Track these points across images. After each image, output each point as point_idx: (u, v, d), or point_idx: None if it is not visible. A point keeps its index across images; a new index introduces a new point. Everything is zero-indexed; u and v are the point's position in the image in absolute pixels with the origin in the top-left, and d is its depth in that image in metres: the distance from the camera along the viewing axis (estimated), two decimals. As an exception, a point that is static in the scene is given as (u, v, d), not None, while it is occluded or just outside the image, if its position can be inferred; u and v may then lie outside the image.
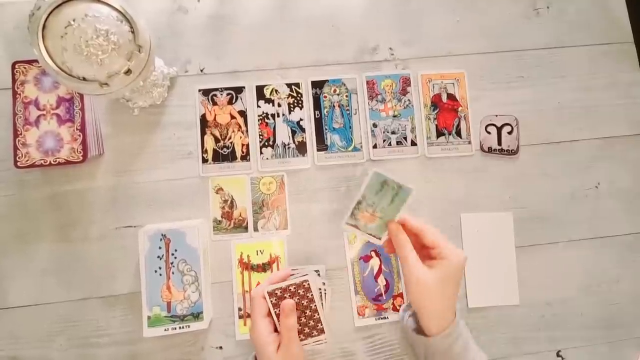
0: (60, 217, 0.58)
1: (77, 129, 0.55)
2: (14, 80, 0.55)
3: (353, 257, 0.59)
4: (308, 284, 0.49)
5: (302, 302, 0.49)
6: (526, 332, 0.60)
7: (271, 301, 0.49)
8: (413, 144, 0.62)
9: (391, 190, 0.48)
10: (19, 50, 0.59)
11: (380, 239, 0.51)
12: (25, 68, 0.55)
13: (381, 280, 0.59)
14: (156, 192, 0.59)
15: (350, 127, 0.62)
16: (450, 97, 0.63)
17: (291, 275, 0.52)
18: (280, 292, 0.49)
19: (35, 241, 0.57)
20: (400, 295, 0.59)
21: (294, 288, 0.49)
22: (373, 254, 0.59)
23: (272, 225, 0.59)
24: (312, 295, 0.49)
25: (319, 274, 0.50)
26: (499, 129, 0.63)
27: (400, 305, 0.58)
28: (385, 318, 0.58)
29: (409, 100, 0.63)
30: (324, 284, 0.50)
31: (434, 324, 0.48)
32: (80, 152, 0.55)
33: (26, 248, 0.57)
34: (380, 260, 0.59)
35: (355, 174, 0.61)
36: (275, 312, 0.49)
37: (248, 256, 0.58)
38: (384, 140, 0.62)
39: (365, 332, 0.58)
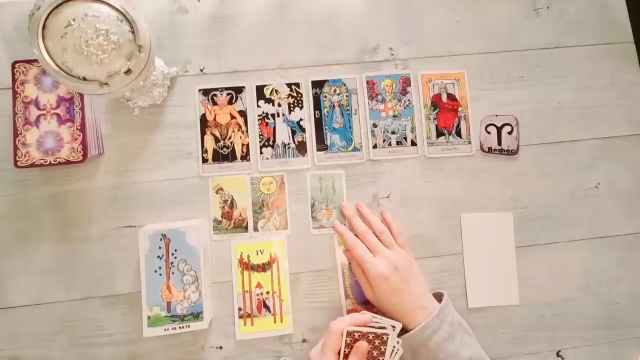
0: (60, 217, 0.58)
1: (77, 129, 0.55)
2: (14, 80, 0.55)
3: (343, 260, 0.59)
4: (387, 338, 0.49)
5: (373, 352, 0.49)
6: (526, 332, 0.60)
7: (346, 340, 0.49)
8: (413, 144, 0.62)
9: (328, 181, 0.56)
10: (19, 50, 0.59)
11: (345, 225, 0.58)
12: (25, 68, 0.55)
13: None
14: (156, 192, 0.59)
15: (350, 127, 0.62)
16: (450, 97, 0.63)
17: (371, 322, 0.51)
18: (359, 335, 0.49)
19: (35, 241, 0.57)
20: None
21: (373, 337, 0.49)
22: None
23: (272, 225, 0.59)
24: (385, 349, 0.49)
25: (394, 329, 0.50)
26: (499, 129, 0.63)
27: None
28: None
29: (409, 100, 0.63)
30: (398, 342, 0.49)
31: (401, 320, 0.51)
32: (80, 152, 0.54)
33: (26, 248, 0.57)
34: None
35: (354, 173, 0.61)
36: (345, 351, 0.49)
37: (248, 256, 0.58)
38: (384, 140, 0.62)
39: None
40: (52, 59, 0.44)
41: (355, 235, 0.57)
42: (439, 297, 0.55)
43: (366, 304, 0.58)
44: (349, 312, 0.58)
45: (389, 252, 0.54)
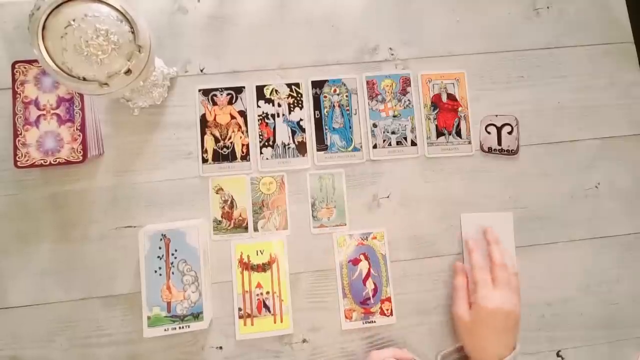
0: (60, 217, 0.58)
1: (77, 129, 0.55)
2: (14, 80, 0.55)
3: (342, 260, 0.59)
4: None
5: None
6: (526, 332, 0.59)
7: None
8: (413, 144, 0.62)
9: (328, 180, 0.57)
10: (19, 50, 0.59)
11: (345, 224, 0.59)
12: (25, 68, 0.55)
13: (369, 284, 0.59)
14: (156, 192, 0.59)
15: (350, 127, 0.62)
16: (450, 97, 0.63)
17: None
18: None
19: (35, 241, 0.57)
20: (388, 299, 0.58)
21: None
22: (362, 257, 0.59)
23: (272, 225, 0.59)
24: None
25: None
26: (499, 129, 0.63)
27: (387, 309, 0.58)
28: (372, 322, 0.58)
29: (409, 100, 0.63)
30: None
31: (474, 357, 0.53)
32: (80, 152, 0.55)
33: (26, 248, 0.57)
34: (369, 264, 0.59)
35: (354, 173, 0.61)
36: None
37: (248, 256, 0.58)
38: (384, 140, 0.62)
39: (356, 335, 0.58)
40: (52, 59, 0.44)
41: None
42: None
43: (364, 304, 0.58)
44: (346, 311, 0.58)
45: (511, 296, 0.54)
